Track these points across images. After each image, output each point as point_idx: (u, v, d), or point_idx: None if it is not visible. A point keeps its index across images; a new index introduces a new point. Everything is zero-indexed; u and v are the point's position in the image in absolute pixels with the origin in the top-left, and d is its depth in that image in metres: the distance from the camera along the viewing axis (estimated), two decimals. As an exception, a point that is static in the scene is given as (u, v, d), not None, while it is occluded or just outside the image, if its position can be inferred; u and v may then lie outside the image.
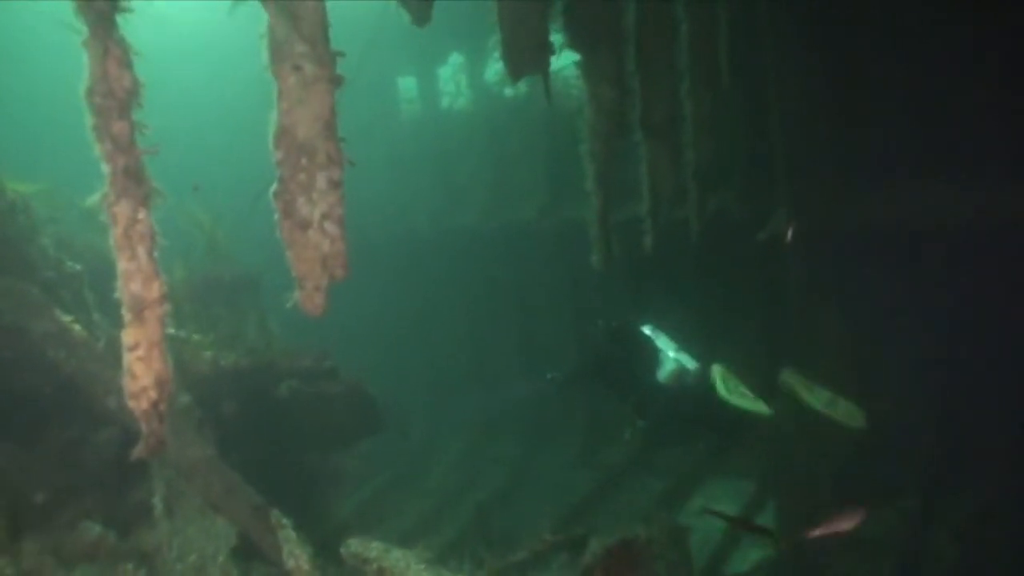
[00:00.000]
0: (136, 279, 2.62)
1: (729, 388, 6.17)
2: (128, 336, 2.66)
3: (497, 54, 11.64)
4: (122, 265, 2.62)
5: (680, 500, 8.99)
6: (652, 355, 6.60)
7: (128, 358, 2.67)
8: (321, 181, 2.98)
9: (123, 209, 2.54)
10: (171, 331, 5.32)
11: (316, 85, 2.94)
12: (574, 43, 4.62)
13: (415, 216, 11.91)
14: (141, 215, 2.58)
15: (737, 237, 7.84)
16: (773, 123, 7.09)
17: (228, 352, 6.10)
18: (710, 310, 9.44)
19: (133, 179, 2.55)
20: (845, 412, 6.20)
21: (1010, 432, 6.96)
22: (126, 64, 2.53)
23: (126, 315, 2.66)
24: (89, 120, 2.50)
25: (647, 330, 6.73)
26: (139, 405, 2.67)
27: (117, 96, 2.50)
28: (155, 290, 2.66)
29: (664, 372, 6.52)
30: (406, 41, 10.88)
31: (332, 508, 8.64)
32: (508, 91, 11.69)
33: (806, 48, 6.93)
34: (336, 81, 2.96)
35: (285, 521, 4.55)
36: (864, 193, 6.92)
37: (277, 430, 6.45)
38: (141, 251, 2.60)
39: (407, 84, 12.54)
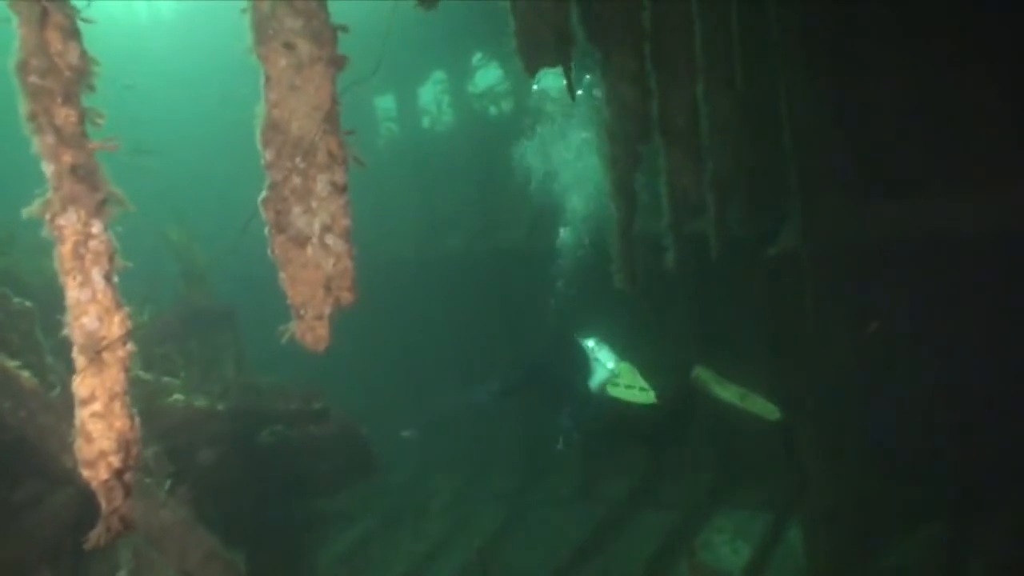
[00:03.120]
0: (90, 311, 1.98)
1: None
2: (81, 386, 2.01)
3: (484, 68, 11.30)
4: (72, 294, 1.98)
5: (688, 536, 8.50)
6: (586, 365, 6.64)
7: (81, 414, 2.01)
8: (321, 185, 2.42)
9: (71, 220, 1.94)
10: (138, 373, 4.67)
11: (313, 67, 2.38)
12: (592, 40, 4.12)
13: (399, 240, 11.32)
14: (95, 228, 1.97)
15: (742, 251, 7.49)
16: (785, 134, 6.76)
17: (203, 395, 5.45)
18: (711, 326, 9.06)
19: (84, 182, 1.95)
20: (758, 406, 6.31)
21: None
22: (71, 34, 1.94)
23: (78, 359, 2.02)
24: (23, 106, 1.90)
25: (591, 343, 6.74)
26: (96, 475, 2.01)
27: (60, 74, 1.91)
28: (115, 325, 2.03)
29: (596, 381, 6.55)
30: (387, 58, 10.39)
31: (318, 556, 8.05)
32: (492, 109, 11.23)
33: (817, 56, 6.66)
34: (338, 62, 2.40)
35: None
36: (878, 205, 6.68)
37: (260, 478, 5.81)
38: (96, 275, 1.97)
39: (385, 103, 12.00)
